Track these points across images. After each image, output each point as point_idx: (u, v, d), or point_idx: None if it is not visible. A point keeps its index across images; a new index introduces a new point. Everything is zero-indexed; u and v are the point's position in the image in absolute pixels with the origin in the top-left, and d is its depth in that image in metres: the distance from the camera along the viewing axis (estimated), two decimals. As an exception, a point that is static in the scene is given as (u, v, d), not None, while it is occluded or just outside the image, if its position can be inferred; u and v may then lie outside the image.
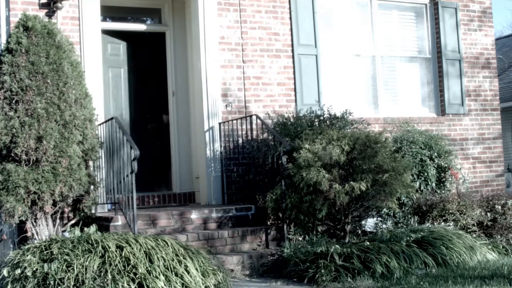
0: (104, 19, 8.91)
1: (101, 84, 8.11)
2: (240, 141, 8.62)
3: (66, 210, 6.98)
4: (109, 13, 9.08)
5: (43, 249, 5.48)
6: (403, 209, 8.43)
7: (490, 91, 10.95)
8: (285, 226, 7.43)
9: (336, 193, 6.91)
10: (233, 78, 8.87)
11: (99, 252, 5.40)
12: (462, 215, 8.11)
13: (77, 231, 5.98)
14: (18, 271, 5.33)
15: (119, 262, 5.34)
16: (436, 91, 10.58)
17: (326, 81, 9.62)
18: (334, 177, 7.05)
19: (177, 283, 5.36)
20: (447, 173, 9.00)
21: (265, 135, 8.27)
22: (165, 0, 9.34)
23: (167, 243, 5.70)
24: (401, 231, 7.35)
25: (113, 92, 9.06)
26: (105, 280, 5.23)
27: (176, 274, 5.43)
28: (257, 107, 8.96)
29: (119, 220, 6.97)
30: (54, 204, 6.43)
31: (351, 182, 6.98)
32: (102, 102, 7.99)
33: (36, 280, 5.26)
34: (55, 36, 6.69)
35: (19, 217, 6.21)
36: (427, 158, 8.77)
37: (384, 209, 8.07)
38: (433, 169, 8.81)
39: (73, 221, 6.92)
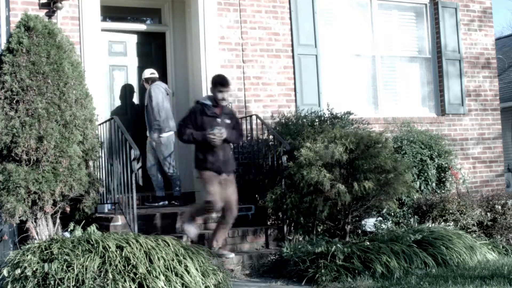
0: (104, 19, 8.91)
1: (101, 84, 8.12)
2: (240, 141, 8.62)
3: (67, 210, 6.98)
4: (109, 13, 9.07)
5: (43, 249, 5.48)
6: (403, 209, 8.44)
7: (490, 91, 10.96)
8: (285, 226, 7.43)
9: (340, 192, 6.90)
10: (233, 78, 8.87)
11: (99, 252, 5.40)
12: (462, 215, 8.12)
13: (78, 231, 5.98)
14: (18, 271, 5.33)
15: (119, 262, 5.34)
16: (436, 91, 10.59)
17: (326, 81, 9.62)
18: (335, 176, 7.05)
19: (177, 283, 5.35)
20: (447, 173, 9.01)
21: (265, 135, 8.28)
22: (165, 0, 9.34)
23: (167, 243, 5.70)
24: (401, 231, 7.35)
25: (113, 92, 9.06)
26: (105, 280, 5.23)
27: (176, 274, 5.43)
28: (257, 107, 8.96)
29: (119, 220, 6.97)
30: (54, 204, 6.43)
31: (355, 183, 6.98)
32: (102, 102, 7.99)
33: (36, 280, 5.25)
34: (56, 36, 6.69)
35: (19, 217, 6.21)
36: (427, 158, 8.78)
37: (384, 209, 8.08)
38: (433, 169, 8.81)
39: (73, 221, 6.91)
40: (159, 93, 8.41)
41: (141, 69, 9.19)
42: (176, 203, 8.31)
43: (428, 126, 10.09)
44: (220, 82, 6.81)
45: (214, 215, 7.51)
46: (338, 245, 6.59)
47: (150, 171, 8.68)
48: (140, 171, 8.91)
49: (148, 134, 8.62)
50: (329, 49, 9.74)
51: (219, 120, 6.78)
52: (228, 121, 6.86)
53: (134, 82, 9.17)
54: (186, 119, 6.84)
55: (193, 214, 6.94)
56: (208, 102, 6.83)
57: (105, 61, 8.87)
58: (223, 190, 6.72)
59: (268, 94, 9.10)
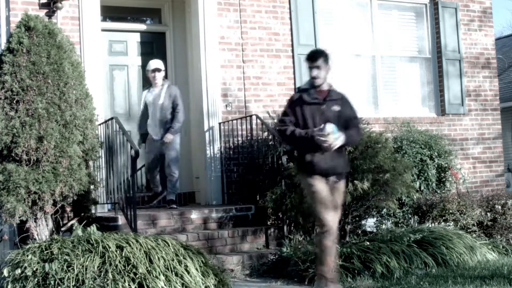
0: (104, 19, 8.92)
1: (102, 84, 8.12)
2: (240, 141, 8.63)
3: (67, 210, 6.99)
4: (109, 13, 9.08)
5: (44, 249, 5.48)
6: (403, 209, 8.44)
7: (490, 91, 10.96)
8: (285, 226, 7.43)
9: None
10: (233, 78, 8.88)
11: (99, 252, 5.40)
12: (462, 215, 8.12)
13: (79, 231, 5.99)
14: (19, 271, 5.33)
15: (119, 262, 5.34)
16: (436, 91, 10.59)
17: (326, 81, 9.61)
18: (334, 177, 7.05)
19: (177, 283, 5.36)
20: (447, 173, 9.01)
21: (265, 135, 8.28)
22: (165, 0, 9.35)
23: (167, 243, 5.70)
24: (401, 231, 7.35)
25: (113, 92, 9.06)
26: (105, 280, 5.24)
27: (176, 274, 5.43)
28: (257, 107, 8.96)
29: (119, 220, 6.97)
30: (55, 204, 6.43)
31: (354, 182, 6.98)
32: (102, 102, 8.00)
33: (36, 279, 5.26)
34: (56, 36, 6.69)
35: (19, 217, 6.21)
36: (427, 158, 8.78)
37: (384, 209, 8.08)
38: (433, 169, 8.81)
39: (73, 221, 6.93)
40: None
41: (142, 68, 9.21)
42: (175, 206, 8.10)
43: (428, 126, 10.09)
44: (307, 57, 5.49)
45: (214, 214, 7.52)
46: (337, 245, 6.58)
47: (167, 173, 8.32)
48: (141, 170, 8.92)
49: (156, 134, 8.21)
50: (329, 49, 9.71)
51: (323, 107, 5.41)
52: (336, 108, 5.47)
53: (134, 81, 9.18)
54: (285, 112, 5.51)
55: (321, 265, 5.44)
56: (308, 86, 5.50)
57: (105, 60, 8.88)
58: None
59: (268, 94, 9.11)
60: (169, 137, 8.09)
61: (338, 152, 5.37)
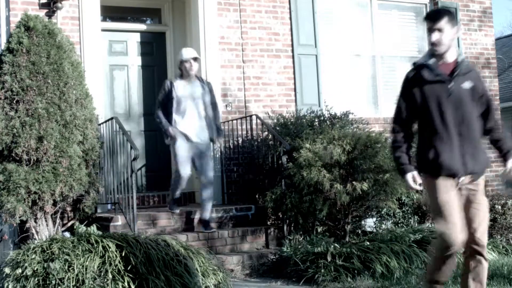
0: (104, 19, 8.92)
1: (102, 84, 8.12)
2: (240, 141, 8.63)
3: (67, 210, 6.99)
4: (109, 13, 9.08)
5: (44, 249, 5.49)
6: (403, 209, 8.44)
7: (490, 91, 10.89)
8: (285, 226, 7.43)
9: (337, 193, 6.91)
10: (233, 78, 8.88)
11: (99, 252, 5.40)
12: (462, 215, 8.12)
13: (79, 231, 5.99)
14: (19, 270, 5.33)
15: (119, 262, 5.35)
16: (436, 91, 10.58)
17: (326, 81, 9.62)
18: (334, 177, 7.05)
19: (177, 283, 5.36)
20: (447, 173, 8.99)
21: (265, 135, 8.28)
22: (165, 0, 9.35)
23: (167, 243, 5.71)
24: (401, 231, 7.36)
25: (113, 92, 9.06)
26: (105, 280, 5.24)
27: (176, 274, 5.43)
28: (257, 107, 8.96)
29: (119, 220, 6.97)
30: (55, 204, 6.44)
31: (353, 182, 6.98)
32: (102, 102, 8.00)
33: (36, 279, 5.26)
34: (56, 36, 6.70)
35: (19, 217, 6.22)
36: (427, 158, 8.77)
37: (384, 209, 8.07)
38: (433, 169, 8.80)
39: (73, 221, 6.93)
40: None
41: (142, 68, 9.21)
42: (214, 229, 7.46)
43: (428, 126, 10.07)
44: (427, 16, 4.24)
45: (214, 214, 7.52)
46: (336, 245, 6.59)
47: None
48: (142, 171, 8.92)
49: (198, 135, 7.26)
50: (329, 49, 9.73)
51: (451, 86, 4.08)
52: (468, 85, 4.12)
53: (135, 81, 9.17)
54: (399, 104, 4.38)
55: (433, 276, 4.19)
56: (429, 60, 4.18)
57: (105, 60, 8.88)
58: (465, 209, 4.09)
59: (268, 94, 9.11)
60: (221, 140, 7.58)
61: (473, 141, 4.28)
